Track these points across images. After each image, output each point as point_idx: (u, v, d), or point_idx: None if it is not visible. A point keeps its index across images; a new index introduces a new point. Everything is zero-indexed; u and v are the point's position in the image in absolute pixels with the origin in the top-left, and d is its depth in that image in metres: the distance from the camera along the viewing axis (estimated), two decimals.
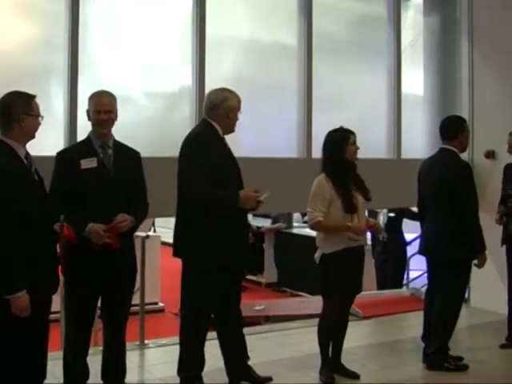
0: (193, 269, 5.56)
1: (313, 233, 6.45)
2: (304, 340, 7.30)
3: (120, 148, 5.33)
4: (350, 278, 6.11)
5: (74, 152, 5.23)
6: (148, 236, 7.85)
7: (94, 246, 4.97)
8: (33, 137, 4.69)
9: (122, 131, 5.50)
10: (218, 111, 5.58)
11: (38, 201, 4.59)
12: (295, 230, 14.15)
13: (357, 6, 8.83)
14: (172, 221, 5.87)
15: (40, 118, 4.68)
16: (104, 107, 5.22)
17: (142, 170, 5.46)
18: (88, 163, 5.09)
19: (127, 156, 5.34)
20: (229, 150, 5.67)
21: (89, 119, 5.31)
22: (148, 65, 7.42)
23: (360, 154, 6.32)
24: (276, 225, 14.30)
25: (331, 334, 6.28)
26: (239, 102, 5.71)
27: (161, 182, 6.11)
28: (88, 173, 5.07)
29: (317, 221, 6.08)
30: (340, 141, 6.16)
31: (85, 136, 5.39)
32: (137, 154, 5.47)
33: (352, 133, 6.19)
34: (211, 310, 5.69)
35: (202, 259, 5.49)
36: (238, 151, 5.98)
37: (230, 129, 5.69)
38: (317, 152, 7.16)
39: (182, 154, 5.53)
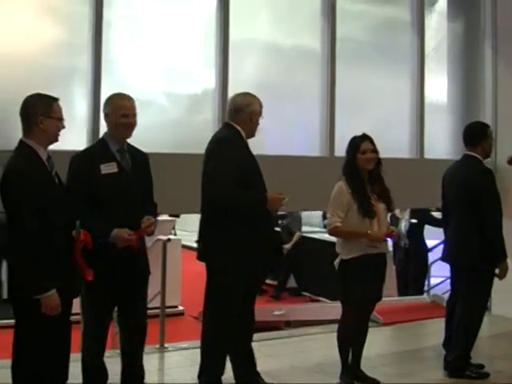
0: (218, 272, 5.52)
1: (333, 238, 6.43)
2: (324, 346, 7.26)
3: (133, 151, 5.32)
4: (368, 285, 6.06)
5: (93, 156, 5.17)
6: (169, 239, 7.86)
7: (115, 248, 4.97)
8: (55, 140, 4.70)
9: (143, 134, 5.50)
10: (241, 115, 5.59)
11: (58, 204, 4.62)
12: (315, 235, 14.12)
13: (380, 10, 8.78)
14: (192, 224, 5.88)
15: (61, 121, 4.69)
16: (132, 111, 5.23)
17: (150, 171, 5.46)
18: (108, 168, 5.07)
19: (139, 159, 5.32)
20: (251, 153, 5.66)
21: (107, 122, 5.29)
22: (170, 67, 7.42)
23: (382, 156, 6.31)
24: (295, 238, 14.18)
25: (350, 340, 6.24)
26: (261, 107, 5.73)
27: (186, 179, 6.23)
28: (108, 178, 5.05)
29: (334, 226, 6.07)
30: (352, 148, 6.16)
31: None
32: (146, 155, 5.47)
33: (365, 140, 6.16)
34: (235, 314, 5.60)
35: (228, 262, 5.46)
36: (260, 151, 6.02)
37: (252, 133, 5.70)
38: (339, 151, 7.25)
39: (210, 155, 5.52)
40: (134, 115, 5.24)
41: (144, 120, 5.45)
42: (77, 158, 5.19)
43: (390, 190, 6.27)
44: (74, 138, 6.28)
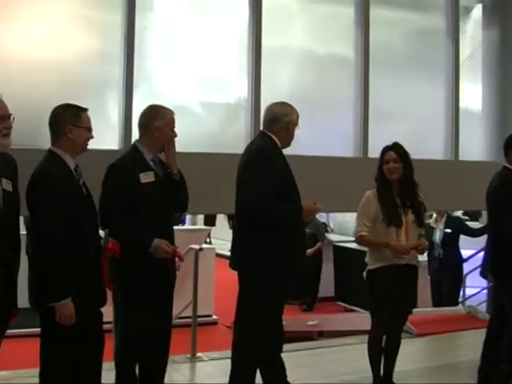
0: (251, 282, 5.49)
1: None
2: (357, 357, 7.17)
3: (161, 160, 5.33)
4: (396, 296, 5.96)
5: (131, 165, 5.13)
6: (201, 249, 7.83)
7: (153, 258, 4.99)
8: (83, 149, 4.72)
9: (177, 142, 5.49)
10: (278, 124, 5.54)
11: (86, 213, 4.63)
12: (351, 245, 14.04)
13: (415, 18, 8.74)
14: (227, 232, 5.87)
15: (90, 131, 4.71)
16: (174, 124, 5.31)
17: None
18: (147, 177, 5.06)
19: (166, 167, 5.31)
20: (286, 162, 5.60)
21: (152, 132, 5.23)
22: (205, 76, 7.45)
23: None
24: (318, 244, 14.09)
25: (380, 352, 6.16)
26: (298, 117, 5.67)
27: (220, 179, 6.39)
28: (146, 187, 5.04)
29: (360, 235, 6.05)
30: (380, 157, 6.15)
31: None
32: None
33: (389, 150, 6.12)
34: (266, 325, 5.52)
35: (261, 272, 5.40)
36: (294, 152, 6.01)
37: (288, 143, 5.65)
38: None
39: (245, 166, 5.49)
40: None
41: (178, 128, 5.43)
42: (115, 167, 5.12)
43: (425, 191, 6.21)
44: (106, 145, 6.34)
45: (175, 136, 5.25)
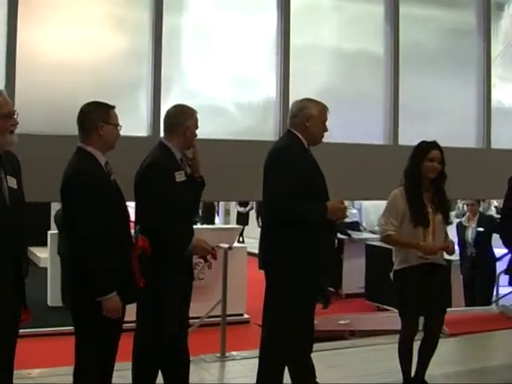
0: (275, 280, 5.45)
1: None
2: (388, 356, 7.10)
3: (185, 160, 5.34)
4: (422, 296, 5.88)
5: (167, 164, 5.13)
6: (231, 247, 7.80)
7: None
8: (112, 147, 4.73)
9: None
10: (296, 120, 5.47)
11: (118, 209, 4.66)
12: (382, 244, 13.95)
13: (445, 15, 8.67)
14: (258, 231, 5.85)
15: (118, 128, 4.73)
16: None
17: None
18: (180, 176, 5.08)
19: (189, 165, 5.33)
20: (314, 161, 5.52)
21: (182, 132, 5.21)
22: (237, 75, 7.47)
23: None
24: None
25: (411, 352, 6.07)
26: (320, 111, 5.48)
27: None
28: (180, 186, 5.06)
29: (386, 234, 5.95)
30: (420, 152, 5.98)
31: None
32: None
33: (435, 148, 5.95)
34: (295, 324, 5.42)
35: (286, 272, 5.34)
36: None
37: (314, 139, 5.49)
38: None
39: (269, 167, 5.44)
40: None
41: (211, 128, 5.45)
42: (155, 165, 5.09)
43: (456, 180, 6.10)
44: (135, 144, 6.37)
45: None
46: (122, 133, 4.81)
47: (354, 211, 15.88)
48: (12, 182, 4.10)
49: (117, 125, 4.72)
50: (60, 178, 4.58)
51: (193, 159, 5.27)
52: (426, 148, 5.95)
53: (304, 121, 5.42)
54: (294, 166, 5.26)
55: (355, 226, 15.75)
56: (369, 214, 17.21)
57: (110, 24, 6.92)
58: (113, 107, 4.72)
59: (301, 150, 5.43)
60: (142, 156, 5.20)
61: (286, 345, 5.40)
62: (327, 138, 5.57)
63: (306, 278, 5.32)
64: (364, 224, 16.96)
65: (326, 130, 5.52)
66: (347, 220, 15.20)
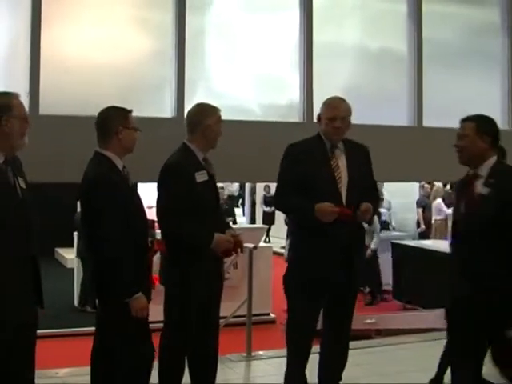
0: (290, 279, 5.46)
1: (429, 245, 6.27)
2: (415, 355, 7.12)
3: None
4: None
5: (186, 165, 5.12)
6: (255, 247, 7.79)
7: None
8: (130, 151, 4.76)
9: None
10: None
11: (138, 212, 4.70)
12: (411, 243, 13.92)
13: (469, 12, 8.61)
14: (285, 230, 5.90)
15: (136, 132, 4.74)
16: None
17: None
18: (201, 176, 5.07)
19: (213, 166, 5.32)
20: (321, 158, 5.33)
21: (203, 131, 5.19)
22: (260, 75, 7.47)
23: None
24: None
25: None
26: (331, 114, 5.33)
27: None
28: (201, 186, 5.06)
29: None
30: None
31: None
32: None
33: None
34: (308, 324, 5.40)
35: (296, 270, 5.39)
36: None
37: (331, 134, 5.33)
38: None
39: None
40: None
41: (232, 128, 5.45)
42: (171, 167, 5.11)
43: None
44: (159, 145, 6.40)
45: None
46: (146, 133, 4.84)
47: (383, 210, 15.82)
48: (22, 183, 4.13)
49: (135, 129, 4.73)
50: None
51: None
52: None
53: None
54: (291, 163, 5.33)
55: (384, 225, 15.68)
56: (396, 213, 17.13)
57: (133, 25, 6.97)
58: (130, 111, 4.74)
59: (306, 146, 5.44)
60: (166, 157, 5.22)
61: (295, 342, 5.43)
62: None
63: (300, 271, 5.33)
64: (393, 223, 16.85)
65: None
66: None
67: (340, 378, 5.55)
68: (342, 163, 5.27)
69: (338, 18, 7.85)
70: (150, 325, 4.78)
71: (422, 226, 16.82)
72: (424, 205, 16.95)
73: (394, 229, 16.64)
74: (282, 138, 5.72)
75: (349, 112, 5.33)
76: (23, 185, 4.11)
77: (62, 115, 6.49)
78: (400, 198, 16.80)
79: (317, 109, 5.58)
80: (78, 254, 11.47)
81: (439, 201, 17.08)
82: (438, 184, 17.41)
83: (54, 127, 6.41)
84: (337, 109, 5.28)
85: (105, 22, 6.76)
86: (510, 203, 4.45)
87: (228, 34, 7.39)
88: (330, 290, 5.30)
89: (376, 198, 5.72)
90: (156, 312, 5.00)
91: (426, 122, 8.06)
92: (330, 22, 7.70)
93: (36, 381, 4.20)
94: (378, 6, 8.06)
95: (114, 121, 4.64)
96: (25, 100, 5.33)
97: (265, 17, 7.52)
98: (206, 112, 5.24)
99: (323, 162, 5.27)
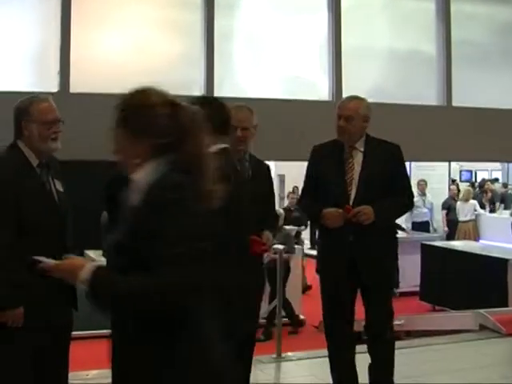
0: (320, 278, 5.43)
1: (458, 246, 6.25)
2: (444, 357, 7.07)
3: (255, 161, 5.15)
4: None
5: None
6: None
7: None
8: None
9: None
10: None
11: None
12: (438, 243, 13.84)
13: (497, 11, 8.59)
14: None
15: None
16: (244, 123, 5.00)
17: (272, 181, 5.46)
18: None
19: (260, 169, 5.19)
20: (335, 160, 5.18)
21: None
22: (288, 75, 7.51)
23: None
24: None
25: None
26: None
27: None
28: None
29: None
30: None
31: None
32: (267, 165, 5.36)
33: None
34: (337, 322, 5.26)
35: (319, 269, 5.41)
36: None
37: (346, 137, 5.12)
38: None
39: None
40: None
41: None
42: None
43: None
44: None
45: None
46: None
47: (425, 210, 15.66)
48: (59, 185, 4.14)
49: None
50: None
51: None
52: None
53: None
54: (309, 164, 5.33)
55: (425, 226, 15.55)
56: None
57: (162, 27, 7.00)
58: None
59: (324, 147, 5.29)
60: None
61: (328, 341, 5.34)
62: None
63: (325, 272, 5.33)
64: (434, 225, 16.53)
65: None
66: (417, 220, 15.10)
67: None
68: (357, 164, 5.08)
69: (366, 19, 7.85)
70: None
71: (445, 229, 16.66)
72: (447, 207, 16.80)
73: (435, 230, 16.33)
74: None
75: (356, 112, 5.02)
76: (60, 187, 4.13)
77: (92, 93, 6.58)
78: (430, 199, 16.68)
79: None
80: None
81: (474, 202, 17.09)
82: (468, 188, 17.35)
83: (84, 105, 6.52)
84: (340, 108, 5.07)
85: (134, 23, 6.81)
86: None
87: (256, 35, 7.41)
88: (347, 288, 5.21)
89: (398, 201, 5.17)
90: None
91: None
92: (358, 24, 7.69)
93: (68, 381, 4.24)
94: (406, 7, 8.06)
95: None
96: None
97: (293, 18, 7.54)
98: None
99: (337, 163, 5.13)
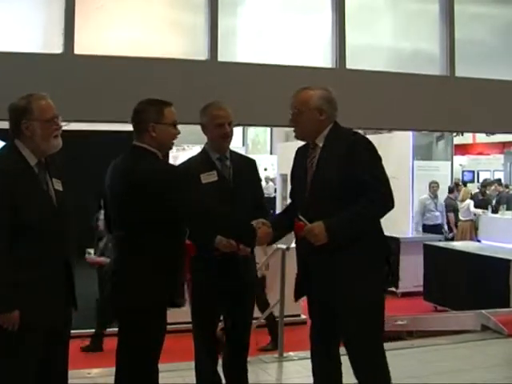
0: None
1: (459, 247, 6.24)
2: (447, 357, 7.07)
3: (237, 158, 5.13)
4: None
5: (193, 166, 4.96)
6: (288, 248, 7.78)
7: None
8: (169, 147, 4.51)
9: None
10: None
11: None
12: (441, 244, 13.84)
13: (501, 12, 8.58)
14: None
15: (175, 127, 4.39)
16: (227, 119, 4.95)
17: (259, 176, 5.34)
18: (208, 177, 4.91)
19: (245, 165, 5.13)
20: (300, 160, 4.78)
21: (205, 132, 5.03)
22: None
23: None
24: None
25: None
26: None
27: None
28: (207, 187, 4.86)
29: None
30: None
31: None
32: (252, 162, 5.27)
33: None
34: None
35: None
36: None
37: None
38: None
39: None
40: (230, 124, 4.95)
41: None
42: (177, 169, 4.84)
43: None
44: None
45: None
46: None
47: (437, 213, 15.60)
48: (58, 184, 4.11)
49: (172, 124, 4.35)
50: None
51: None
52: None
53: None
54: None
55: (437, 229, 15.47)
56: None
57: (166, 26, 7.00)
58: (168, 104, 4.37)
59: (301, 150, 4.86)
60: None
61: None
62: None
63: None
64: (445, 227, 16.41)
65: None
66: (429, 223, 15.06)
67: None
68: (315, 164, 4.51)
69: (370, 20, 7.84)
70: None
71: (455, 231, 16.62)
72: (452, 208, 16.71)
73: (446, 232, 16.23)
74: None
75: (304, 104, 4.47)
76: (59, 187, 4.09)
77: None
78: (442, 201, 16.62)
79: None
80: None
81: (469, 202, 17.06)
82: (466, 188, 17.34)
83: (89, 66, 6.57)
84: (291, 100, 4.56)
85: (138, 22, 6.82)
86: None
87: (260, 35, 7.40)
88: None
89: (359, 210, 4.30)
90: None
91: None
92: (362, 25, 7.69)
93: (68, 381, 4.23)
94: (410, 7, 8.05)
95: (146, 116, 4.31)
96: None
97: (297, 18, 7.53)
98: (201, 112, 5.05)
99: (302, 164, 4.64)
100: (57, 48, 6.59)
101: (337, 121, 4.54)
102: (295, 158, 4.80)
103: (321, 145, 4.49)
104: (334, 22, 7.52)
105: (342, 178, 4.30)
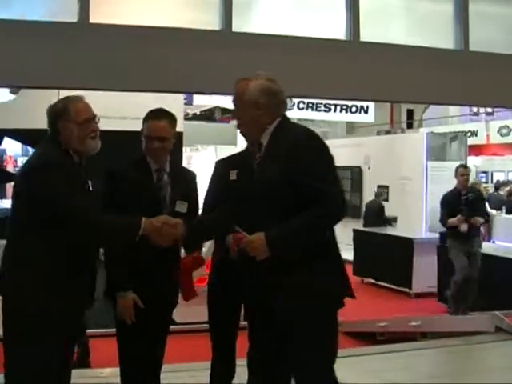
0: None
1: None
2: (461, 358, 7.05)
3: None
4: None
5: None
6: None
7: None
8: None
9: None
10: None
11: None
12: None
13: None
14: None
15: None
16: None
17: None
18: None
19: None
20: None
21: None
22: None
23: None
24: None
25: None
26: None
27: None
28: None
29: None
30: None
31: None
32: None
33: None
34: None
35: None
36: None
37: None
38: None
39: None
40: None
41: None
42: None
43: None
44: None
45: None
46: None
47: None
48: (89, 186, 4.14)
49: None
50: None
51: None
52: None
53: None
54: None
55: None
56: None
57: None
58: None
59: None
60: None
61: None
62: None
63: None
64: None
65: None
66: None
67: None
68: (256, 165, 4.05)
69: (384, 19, 7.82)
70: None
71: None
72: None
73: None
74: None
75: (239, 96, 4.02)
76: (90, 188, 4.12)
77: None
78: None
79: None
80: None
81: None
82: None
83: (104, 35, 6.57)
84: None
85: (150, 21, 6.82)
86: None
87: (275, 6, 7.41)
88: None
89: (303, 221, 3.71)
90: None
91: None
92: (376, 23, 7.67)
93: (81, 380, 4.25)
94: (425, 7, 8.02)
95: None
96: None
97: (311, 17, 7.52)
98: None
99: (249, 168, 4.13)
100: (72, 17, 6.58)
101: (285, 115, 4.01)
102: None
103: (265, 144, 3.96)
104: (348, 22, 7.51)
105: (283, 180, 3.74)
